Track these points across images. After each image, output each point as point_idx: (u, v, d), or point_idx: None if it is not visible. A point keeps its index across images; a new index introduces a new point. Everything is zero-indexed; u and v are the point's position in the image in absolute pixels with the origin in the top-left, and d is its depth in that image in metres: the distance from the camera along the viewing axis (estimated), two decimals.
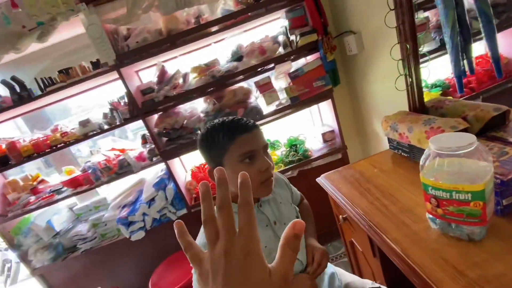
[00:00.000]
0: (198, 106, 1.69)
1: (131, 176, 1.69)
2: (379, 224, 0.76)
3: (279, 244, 0.27)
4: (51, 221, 1.82)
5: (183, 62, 1.70)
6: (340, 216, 1.06)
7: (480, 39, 0.83)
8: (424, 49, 1.04)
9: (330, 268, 0.90)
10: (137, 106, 1.48)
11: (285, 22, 1.55)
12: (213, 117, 1.58)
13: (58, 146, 1.59)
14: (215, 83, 1.50)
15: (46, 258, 1.75)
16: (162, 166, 1.77)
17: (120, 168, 1.60)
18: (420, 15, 1.06)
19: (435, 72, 1.23)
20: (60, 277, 1.83)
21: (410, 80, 0.98)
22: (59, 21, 1.34)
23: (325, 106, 1.75)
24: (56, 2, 1.30)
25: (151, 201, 1.65)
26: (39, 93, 1.49)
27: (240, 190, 0.28)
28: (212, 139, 0.69)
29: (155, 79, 1.57)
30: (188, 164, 2.00)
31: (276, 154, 1.86)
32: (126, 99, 1.57)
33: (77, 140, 1.56)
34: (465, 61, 0.79)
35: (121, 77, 1.42)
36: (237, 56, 1.56)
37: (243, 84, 1.61)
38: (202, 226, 0.81)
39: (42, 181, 1.89)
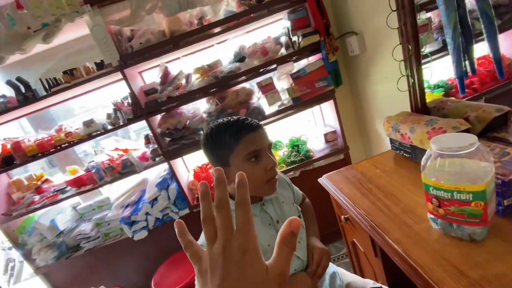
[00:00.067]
0: (201, 106, 1.70)
1: (134, 176, 1.70)
2: (381, 225, 0.76)
3: (276, 241, 0.28)
4: (55, 220, 1.84)
5: (186, 63, 1.72)
6: (342, 216, 1.07)
7: (482, 40, 0.83)
8: (426, 50, 1.04)
9: (332, 267, 0.90)
10: (141, 107, 1.49)
11: (288, 23, 1.56)
12: (216, 118, 1.59)
13: (63, 146, 1.60)
14: (217, 83, 1.51)
15: (49, 257, 1.77)
16: (165, 166, 1.78)
17: (124, 168, 1.61)
18: (422, 16, 1.06)
19: (437, 73, 1.23)
20: (63, 276, 1.85)
21: (412, 81, 0.99)
22: (64, 22, 1.36)
23: (327, 107, 1.75)
24: (61, 3, 1.32)
25: (153, 200, 1.66)
26: (44, 93, 1.51)
27: (237, 189, 0.28)
28: (217, 139, 0.69)
29: (158, 80, 1.58)
30: (191, 164, 2.01)
31: (278, 155, 1.87)
32: (129, 100, 1.59)
33: (81, 140, 1.58)
34: (467, 62, 0.79)
35: (125, 77, 1.44)
36: (240, 57, 1.57)
37: (246, 84, 1.62)
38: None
39: (46, 180, 1.91)
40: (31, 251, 1.79)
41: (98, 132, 1.56)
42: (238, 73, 1.50)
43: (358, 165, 1.12)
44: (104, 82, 1.73)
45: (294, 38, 1.54)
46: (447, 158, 0.59)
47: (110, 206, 1.85)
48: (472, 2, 0.82)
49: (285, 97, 1.62)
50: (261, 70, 1.53)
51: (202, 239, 0.73)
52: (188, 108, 1.64)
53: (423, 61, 1.00)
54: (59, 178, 2.01)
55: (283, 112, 1.60)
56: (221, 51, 1.69)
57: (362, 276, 1.16)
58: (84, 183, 1.71)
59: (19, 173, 1.99)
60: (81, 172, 1.78)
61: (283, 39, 1.61)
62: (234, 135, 0.68)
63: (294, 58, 1.52)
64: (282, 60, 1.51)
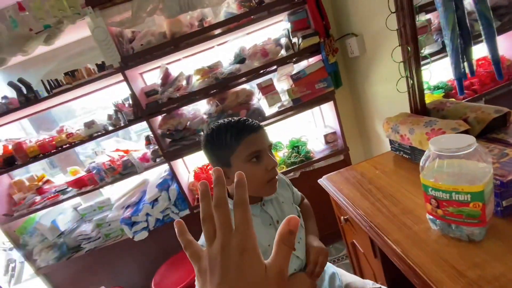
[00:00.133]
0: (201, 107, 1.71)
1: (135, 177, 1.71)
2: (380, 225, 0.76)
3: (274, 240, 0.28)
4: (56, 221, 1.85)
5: (187, 65, 1.73)
6: (342, 217, 1.07)
7: (481, 41, 0.84)
8: (426, 51, 1.05)
9: (331, 268, 0.91)
10: (141, 108, 1.50)
11: (288, 25, 1.56)
12: (216, 119, 1.60)
13: (64, 147, 1.61)
14: (218, 85, 1.52)
15: (50, 258, 1.77)
16: (165, 167, 1.79)
17: (124, 169, 1.62)
18: (422, 18, 1.07)
19: (437, 74, 1.23)
20: (64, 277, 1.85)
21: (412, 82, 0.99)
22: (66, 24, 1.37)
23: (327, 108, 1.76)
24: (62, 5, 1.33)
25: (154, 201, 1.67)
26: (45, 95, 1.52)
27: (236, 188, 0.28)
28: (218, 140, 0.70)
29: (159, 81, 1.59)
30: (191, 165, 2.02)
31: (279, 156, 1.87)
32: (130, 101, 1.60)
33: (82, 141, 1.58)
34: (465, 64, 0.80)
35: (126, 79, 1.45)
36: (240, 59, 1.58)
37: (246, 86, 1.63)
38: None
39: (47, 181, 1.92)
40: (32, 251, 1.79)
41: (99, 133, 1.57)
42: (238, 74, 1.51)
43: (358, 166, 1.12)
44: (105, 84, 1.75)
45: (294, 40, 1.55)
46: (445, 159, 0.59)
47: (111, 207, 1.85)
48: (471, 3, 0.82)
49: (285, 98, 1.63)
50: (261, 71, 1.54)
51: (202, 240, 0.74)
52: (188, 109, 1.64)
53: (422, 62, 1.00)
54: (60, 179, 2.02)
55: (283, 113, 1.61)
56: (222, 53, 1.69)
57: (362, 277, 1.16)
58: (85, 184, 1.71)
59: (21, 174, 2.00)
60: (82, 173, 1.79)
61: (283, 41, 1.61)
62: (235, 136, 0.68)
63: (294, 59, 1.53)
64: (282, 62, 1.52)
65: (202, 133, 1.57)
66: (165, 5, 1.33)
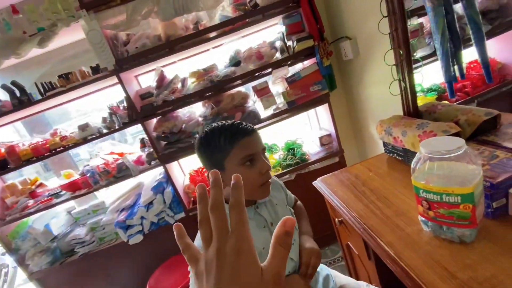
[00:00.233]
0: (197, 110, 1.71)
1: (130, 180, 1.69)
2: (374, 227, 0.77)
3: (271, 242, 0.27)
4: (49, 225, 1.82)
5: (182, 67, 1.73)
6: (336, 219, 1.07)
7: (472, 45, 0.85)
8: (418, 54, 1.06)
9: (325, 270, 0.91)
10: (136, 110, 1.49)
11: (282, 28, 1.58)
12: (211, 121, 1.60)
13: (57, 150, 1.60)
14: (213, 87, 1.52)
15: (43, 262, 1.75)
16: (160, 169, 1.78)
17: (119, 172, 1.61)
18: (414, 22, 1.08)
19: (430, 77, 1.25)
20: (58, 281, 1.83)
21: (404, 85, 1.00)
22: (60, 27, 1.36)
23: (322, 110, 1.77)
24: (56, 8, 1.32)
25: (149, 204, 1.65)
26: (39, 97, 1.51)
27: (232, 190, 0.28)
28: (212, 143, 0.70)
29: (154, 84, 1.59)
30: (187, 167, 2.01)
31: (274, 158, 1.88)
32: (125, 103, 1.59)
33: (76, 144, 1.57)
34: (456, 67, 0.81)
35: (120, 82, 1.44)
36: (235, 61, 1.58)
37: (241, 88, 1.63)
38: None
39: (40, 184, 1.89)
40: (24, 256, 1.77)
41: (93, 136, 1.56)
42: (233, 77, 1.51)
43: (352, 168, 1.13)
44: (100, 86, 1.74)
45: (289, 43, 1.56)
46: (436, 161, 0.60)
47: (105, 210, 1.84)
48: (461, 8, 0.84)
49: (280, 101, 1.64)
50: (256, 74, 1.54)
51: (198, 240, 0.73)
52: (183, 112, 1.64)
53: (414, 65, 1.02)
54: (54, 182, 1.99)
55: (278, 115, 1.61)
56: (217, 55, 1.70)
57: (357, 278, 1.17)
58: (79, 187, 1.70)
59: (13, 177, 1.97)
60: (76, 176, 1.77)
61: (278, 44, 1.62)
62: (229, 139, 0.68)
63: (289, 62, 1.54)
64: (277, 64, 1.53)
65: (197, 135, 1.57)
66: (160, 8, 1.34)
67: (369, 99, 1.60)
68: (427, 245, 0.65)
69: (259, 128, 1.62)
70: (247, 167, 0.70)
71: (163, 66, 1.68)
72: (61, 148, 1.60)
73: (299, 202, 1.01)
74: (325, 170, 1.72)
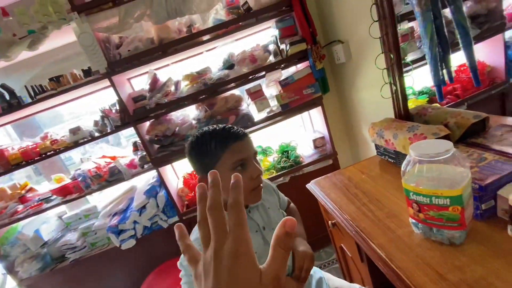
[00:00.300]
0: (190, 113, 1.70)
1: (122, 184, 1.67)
2: (366, 230, 0.77)
3: (270, 244, 0.26)
4: (39, 231, 1.79)
5: (175, 70, 1.72)
6: (329, 221, 1.08)
7: (461, 49, 0.87)
8: (409, 57, 1.08)
9: (318, 273, 0.91)
10: (128, 113, 1.48)
11: (276, 32, 1.58)
12: (205, 124, 1.59)
13: (48, 154, 1.57)
14: (206, 90, 1.52)
15: (33, 269, 1.71)
16: (153, 173, 1.77)
17: (111, 176, 1.59)
18: (404, 26, 1.10)
19: (422, 79, 1.27)
20: None
21: (395, 88, 1.01)
22: (51, 29, 1.35)
23: (316, 113, 1.78)
24: (47, 11, 1.31)
25: (142, 208, 1.64)
26: (29, 100, 1.49)
27: (231, 190, 0.27)
28: (203, 148, 0.69)
29: (147, 87, 1.58)
30: (180, 171, 1.99)
31: (268, 161, 1.88)
32: (117, 107, 1.58)
33: (67, 148, 1.55)
34: (444, 71, 0.82)
35: (113, 85, 1.43)
36: (229, 64, 1.58)
37: (235, 91, 1.63)
38: (196, 225, 0.80)
39: (30, 189, 1.86)
40: (14, 263, 1.73)
41: (85, 140, 1.53)
42: (227, 80, 1.51)
43: (345, 170, 1.14)
44: (93, 89, 1.72)
45: (282, 46, 1.57)
46: (425, 164, 0.61)
47: (97, 215, 1.81)
48: (449, 13, 0.86)
49: (274, 104, 1.64)
50: (250, 77, 1.55)
51: (194, 235, 0.73)
52: (177, 115, 1.63)
53: (405, 69, 1.03)
54: (44, 187, 1.96)
55: (272, 118, 1.62)
56: (210, 58, 1.70)
57: (351, 281, 1.17)
58: (70, 192, 1.67)
59: (3, 182, 1.93)
60: (67, 181, 1.75)
61: (271, 47, 1.63)
62: (220, 143, 0.68)
63: (282, 65, 1.54)
64: (271, 68, 1.53)
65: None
66: (152, 11, 1.33)
67: (361, 102, 1.61)
68: (418, 247, 0.65)
69: (253, 131, 1.62)
70: (238, 171, 0.69)
71: (156, 69, 1.67)
72: (52, 152, 1.57)
73: (292, 204, 1.01)
74: (319, 172, 1.72)
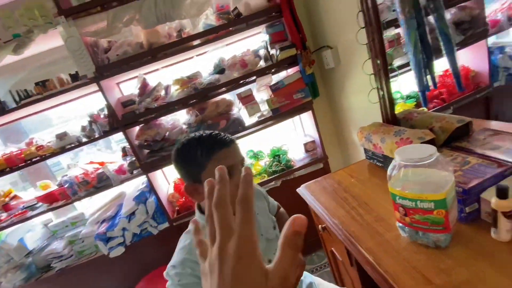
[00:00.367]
0: (181, 117, 1.69)
1: (111, 190, 1.64)
2: (354, 234, 0.78)
3: (278, 243, 0.25)
4: (24, 239, 1.73)
5: (165, 75, 1.71)
6: (320, 226, 1.08)
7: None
8: (397, 63, 1.10)
9: (308, 277, 0.90)
10: (117, 118, 1.46)
11: (266, 37, 1.60)
12: (196, 129, 1.58)
13: (33, 160, 1.53)
14: (197, 95, 1.51)
15: (17, 279, 1.65)
16: (143, 179, 1.74)
17: (99, 182, 1.56)
18: (391, 32, 1.13)
19: (410, 84, 1.29)
20: None
21: (382, 93, 1.03)
22: (37, 33, 1.32)
23: (307, 117, 1.79)
24: (33, 14, 1.28)
25: (131, 215, 1.61)
26: (14, 105, 1.45)
27: (241, 184, 0.26)
28: (189, 155, 0.68)
29: (136, 91, 1.56)
30: (171, 176, 1.97)
31: (260, 165, 1.87)
32: (106, 111, 1.55)
33: (54, 154, 1.51)
34: (428, 77, 0.84)
35: (101, 89, 1.41)
36: (219, 69, 1.59)
37: (226, 96, 1.63)
38: (184, 232, 0.78)
39: (14, 197, 1.80)
40: None
41: (72, 145, 1.50)
42: (217, 84, 1.51)
43: (335, 174, 1.14)
44: (81, 93, 1.69)
45: (272, 51, 1.58)
46: (410, 168, 0.62)
47: (85, 222, 1.77)
48: (433, 21, 0.88)
49: (265, 108, 1.65)
50: (241, 82, 1.55)
51: (181, 242, 0.72)
52: (167, 120, 1.62)
53: (391, 74, 1.05)
54: (30, 194, 1.90)
55: (263, 123, 1.62)
56: (201, 63, 1.70)
57: (342, 285, 1.17)
58: (56, 199, 1.63)
59: None
60: (53, 187, 1.70)
61: (261, 52, 1.64)
62: (206, 151, 0.67)
63: (272, 70, 1.55)
64: (261, 73, 1.54)
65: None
66: (141, 16, 1.33)
67: (350, 106, 1.63)
68: (405, 251, 0.66)
69: (244, 136, 1.61)
70: None
71: (145, 74, 1.66)
72: (38, 158, 1.53)
73: (282, 209, 1.01)
74: (310, 176, 1.73)
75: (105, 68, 1.39)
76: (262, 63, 1.60)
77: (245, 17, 1.44)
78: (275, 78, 1.63)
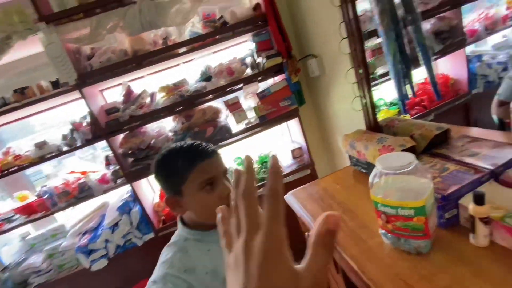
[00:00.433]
0: (167, 125, 1.67)
1: (94, 200, 1.59)
2: (339, 241, 0.78)
3: (308, 243, 0.23)
4: None
5: (151, 82, 1.69)
6: (306, 233, 1.08)
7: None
8: (380, 71, 1.13)
9: None
10: (100, 126, 1.42)
11: (252, 45, 1.61)
12: (182, 136, 1.56)
13: (10, 170, 1.47)
14: (183, 102, 1.50)
15: None
16: (127, 188, 1.70)
17: (80, 192, 1.50)
18: (373, 42, 1.16)
19: (393, 91, 1.33)
20: None
21: (365, 101, 1.06)
22: (15, 39, 1.29)
23: (294, 124, 1.81)
24: (12, 20, 1.25)
25: (114, 226, 1.55)
26: None
27: (269, 176, 0.24)
28: (169, 167, 0.66)
29: (121, 99, 1.53)
30: (156, 185, 1.92)
31: None
32: (89, 119, 1.51)
33: (32, 164, 1.45)
34: (408, 86, 0.87)
35: (83, 96, 1.37)
36: (206, 76, 1.58)
37: (213, 103, 1.63)
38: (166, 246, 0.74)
39: None
40: None
41: (52, 154, 1.45)
42: (204, 92, 1.51)
43: (321, 180, 1.15)
44: (63, 101, 1.64)
45: (259, 59, 1.59)
46: (391, 176, 0.63)
47: (66, 234, 1.69)
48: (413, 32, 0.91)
49: (252, 115, 1.65)
50: (228, 89, 1.55)
51: (163, 256, 0.69)
52: (152, 127, 1.60)
53: (374, 82, 1.08)
54: (7, 205, 1.81)
55: (251, 130, 1.62)
56: (187, 70, 1.69)
57: None
58: (35, 210, 1.56)
59: None
60: (32, 198, 1.63)
61: (248, 60, 1.66)
62: (186, 163, 0.65)
63: (259, 78, 1.57)
64: (248, 80, 1.55)
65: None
66: (126, 23, 1.31)
67: (336, 114, 1.66)
68: (387, 258, 0.67)
69: (232, 143, 1.61)
70: (207, 191, 0.66)
71: (130, 81, 1.63)
72: (16, 167, 1.47)
73: None
74: (297, 182, 1.74)
75: (88, 75, 1.36)
76: (248, 71, 1.61)
77: (231, 26, 1.46)
78: (262, 85, 1.64)
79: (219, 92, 1.54)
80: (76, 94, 1.46)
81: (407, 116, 1.63)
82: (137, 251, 1.61)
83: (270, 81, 1.70)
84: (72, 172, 1.64)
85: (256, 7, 1.49)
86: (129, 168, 1.52)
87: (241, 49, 1.80)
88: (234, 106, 1.61)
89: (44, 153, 1.43)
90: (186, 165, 0.65)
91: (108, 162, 1.67)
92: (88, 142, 1.47)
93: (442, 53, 1.74)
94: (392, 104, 1.77)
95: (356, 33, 0.95)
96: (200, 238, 0.71)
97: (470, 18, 1.92)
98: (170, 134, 1.59)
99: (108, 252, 1.55)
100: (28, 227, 1.82)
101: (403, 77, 0.85)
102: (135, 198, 1.56)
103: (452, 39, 1.79)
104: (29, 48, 1.47)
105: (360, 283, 0.65)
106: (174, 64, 1.69)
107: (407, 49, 0.84)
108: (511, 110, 0.78)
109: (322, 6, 1.31)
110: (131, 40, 1.38)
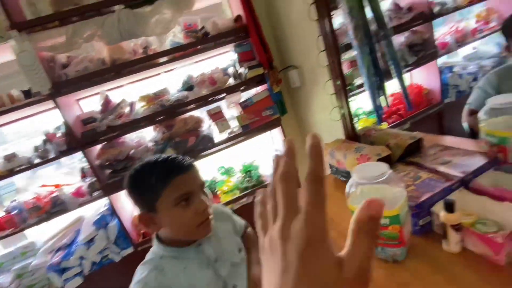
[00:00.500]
0: (147, 135, 1.63)
1: (69, 214, 1.51)
2: None
3: (349, 230, 0.21)
4: None
5: (131, 91, 1.66)
6: None
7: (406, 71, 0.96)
8: (358, 82, 1.17)
9: None
10: (75, 137, 1.37)
11: (234, 55, 1.63)
12: (163, 146, 1.53)
13: None
14: (164, 112, 1.48)
15: None
16: (105, 201, 1.63)
17: (53, 207, 1.42)
18: (351, 54, 1.20)
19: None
20: None
21: (343, 111, 1.08)
22: None
23: (277, 133, 1.82)
24: None
25: (90, 241, 1.48)
26: None
27: (309, 158, 0.22)
28: (143, 183, 0.64)
29: (98, 108, 1.49)
30: None
31: (231, 181, 1.85)
32: (64, 129, 1.45)
33: (0, 177, 1.37)
34: (382, 97, 0.90)
35: (58, 106, 1.32)
36: (188, 86, 1.58)
37: (195, 112, 1.62)
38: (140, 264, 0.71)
39: None
40: None
41: (22, 167, 1.37)
42: (186, 101, 1.49)
43: None
44: (36, 110, 1.57)
45: (241, 70, 1.61)
46: (367, 185, 0.64)
47: (36, 252, 1.59)
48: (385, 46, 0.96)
49: (235, 125, 1.65)
50: (210, 99, 1.55)
51: (137, 274, 0.65)
52: (131, 137, 1.55)
53: (351, 93, 1.11)
54: None
55: (234, 139, 1.62)
56: (169, 80, 1.67)
57: None
58: (2, 227, 1.45)
59: None
60: None
61: (230, 70, 1.67)
62: (161, 178, 0.63)
63: (241, 88, 1.58)
64: (230, 90, 1.56)
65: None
66: (104, 31, 1.29)
67: (316, 123, 1.70)
68: None
69: (215, 152, 1.59)
70: (182, 207, 0.64)
71: (109, 90, 1.60)
72: None
73: (249, 229, 0.98)
74: None
75: (63, 85, 1.31)
76: (231, 81, 1.62)
77: (213, 36, 1.47)
78: (245, 95, 1.65)
79: (202, 101, 1.53)
80: (50, 104, 1.40)
81: (385, 125, 1.69)
82: (114, 268, 1.53)
83: (252, 91, 1.72)
84: (44, 185, 1.55)
85: (237, 18, 1.51)
86: (106, 180, 1.46)
87: (223, 59, 1.81)
88: (217, 116, 1.60)
89: (13, 166, 1.35)
90: (161, 181, 0.63)
91: (84, 175, 1.60)
92: (62, 154, 1.40)
93: (416, 65, 1.84)
94: (370, 113, 1.83)
95: (333, 46, 0.99)
96: (177, 254, 0.69)
97: (442, 32, 2.06)
98: (150, 144, 1.56)
99: (83, 270, 1.47)
100: None
101: (377, 89, 0.88)
102: (112, 211, 1.49)
103: (424, 51, 1.90)
104: (0, 55, 1.41)
105: None
106: (154, 74, 1.67)
107: (380, 62, 0.88)
108: (479, 119, 0.82)
109: (301, 19, 1.35)
110: (110, 49, 1.35)
